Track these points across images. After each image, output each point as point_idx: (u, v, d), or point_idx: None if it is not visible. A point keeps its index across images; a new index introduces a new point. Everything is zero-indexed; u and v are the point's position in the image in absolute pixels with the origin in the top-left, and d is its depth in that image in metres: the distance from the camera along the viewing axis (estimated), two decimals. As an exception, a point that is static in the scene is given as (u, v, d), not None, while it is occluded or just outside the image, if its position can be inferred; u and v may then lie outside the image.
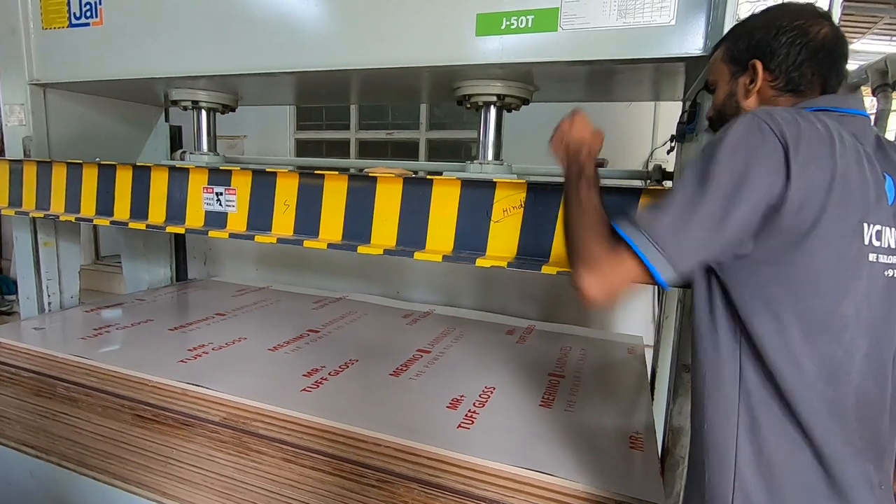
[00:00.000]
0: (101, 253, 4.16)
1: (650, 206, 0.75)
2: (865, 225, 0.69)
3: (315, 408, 1.29)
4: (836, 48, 0.81)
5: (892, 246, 0.71)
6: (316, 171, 1.29)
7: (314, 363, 1.59)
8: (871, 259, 0.69)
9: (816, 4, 0.82)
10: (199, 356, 1.61)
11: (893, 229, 0.71)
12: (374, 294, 2.61)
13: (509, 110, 1.51)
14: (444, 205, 1.17)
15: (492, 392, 1.47)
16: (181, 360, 1.56)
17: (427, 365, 1.65)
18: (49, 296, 2.06)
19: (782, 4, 0.85)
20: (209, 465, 1.39)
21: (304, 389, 1.41)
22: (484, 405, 1.38)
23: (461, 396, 1.42)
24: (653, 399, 1.62)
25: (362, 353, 1.73)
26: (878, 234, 0.70)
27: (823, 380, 0.69)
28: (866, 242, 0.69)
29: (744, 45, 0.85)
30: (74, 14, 1.70)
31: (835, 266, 0.68)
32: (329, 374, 1.53)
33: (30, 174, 1.72)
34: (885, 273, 0.71)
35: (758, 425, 0.71)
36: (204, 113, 1.83)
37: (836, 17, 0.91)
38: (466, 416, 1.31)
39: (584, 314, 2.66)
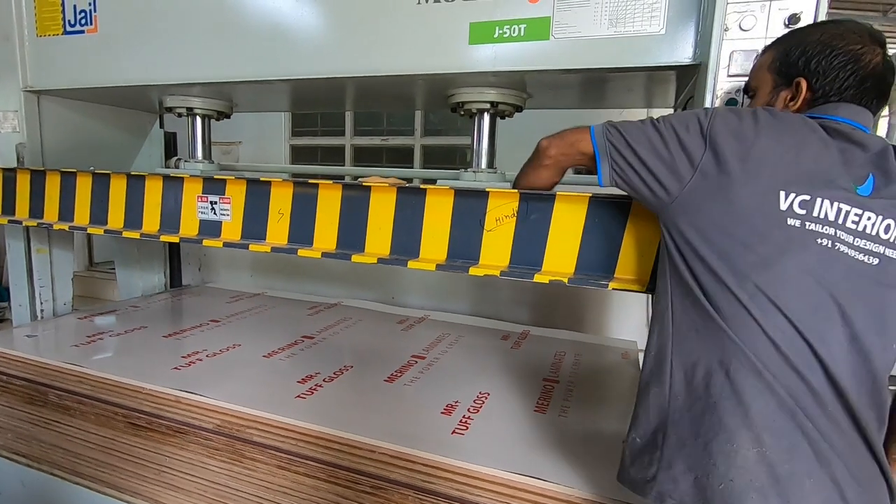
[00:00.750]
0: (94, 259, 4.14)
1: None
2: (783, 192, 0.77)
3: (309, 414, 1.29)
4: (885, 78, 0.83)
5: (831, 219, 0.77)
6: (310, 181, 1.30)
7: (309, 370, 1.59)
8: (790, 223, 0.76)
9: (869, 26, 0.84)
10: (193, 363, 1.61)
11: (844, 208, 0.77)
12: (369, 300, 2.61)
13: (503, 117, 1.52)
14: (438, 214, 1.18)
15: (486, 398, 1.47)
16: (175, 368, 1.56)
17: (422, 371, 1.65)
18: (42, 303, 2.05)
19: (842, 23, 0.86)
20: (203, 472, 1.38)
21: (298, 396, 1.41)
22: (478, 411, 1.38)
23: (456, 402, 1.42)
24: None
25: (357, 360, 1.73)
26: (805, 204, 0.77)
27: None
28: (783, 207, 0.77)
29: (794, 58, 0.86)
30: (69, 21, 1.70)
31: (743, 218, 0.78)
32: (324, 380, 1.52)
33: (23, 183, 1.72)
34: (818, 241, 0.76)
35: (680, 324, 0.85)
36: (199, 120, 1.83)
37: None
38: (461, 421, 1.32)
39: (579, 319, 2.67)
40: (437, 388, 1.52)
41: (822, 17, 0.94)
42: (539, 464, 1.13)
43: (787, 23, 0.94)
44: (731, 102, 0.99)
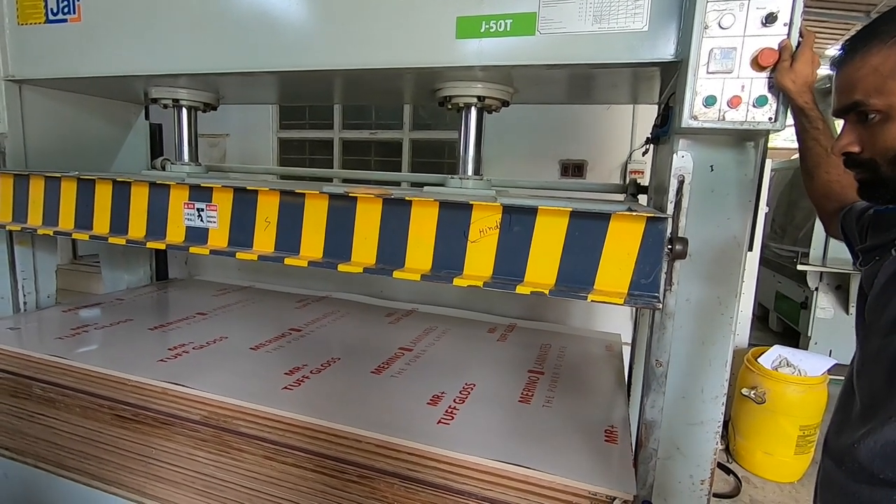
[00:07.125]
0: (78, 252, 4.09)
1: None
2: None
3: (296, 405, 1.30)
4: None
5: None
6: (297, 190, 1.29)
7: (296, 361, 1.60)
8: None
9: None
10: (180, 355, 1.60)
11: None
12: (357, 294, 2.61)
13: (490, 112, 1.54)
14: (423, 224, 1.19)
15: (472, 388, 1.49)
16: (161, 360, 1.56)
17: (409, 363, 1.67)
18: (25, 295, 2.03)
19: None
20: (190, 463, 1.39)
21: (285, 387, 1.42)
22: (464, 401, 1.40)
23: (442, 393, 1.44)
24: (630, 394, 1.66)
25: (344, 352, 1.74)
26: None
27: None
28: None
29: None
30: (51, 10, 1.67)
31: None
32: (311, 372, 1.53)
33: (6, 186, 1.68)
34: None
35: None
36: (185, 111, 1.82)
37: (796, 25, 0.95)
38: (447, 412, 1.33)
39: (565, 313, 2.70)
40: (424, 380, 1.54)
41: (798, 18, 0.96)
42: (522, 452, 1.15)
43: (764, 21, 0.96)
44: (709, 100, 1.01)
